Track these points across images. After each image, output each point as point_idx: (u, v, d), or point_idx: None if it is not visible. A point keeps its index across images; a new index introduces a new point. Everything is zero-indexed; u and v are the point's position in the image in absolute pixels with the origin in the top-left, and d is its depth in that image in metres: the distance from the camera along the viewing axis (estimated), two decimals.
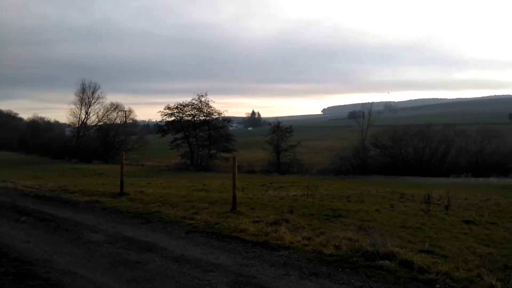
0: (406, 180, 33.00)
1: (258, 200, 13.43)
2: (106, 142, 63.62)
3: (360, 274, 5.54)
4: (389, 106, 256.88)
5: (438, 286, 5.04)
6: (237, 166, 11.22)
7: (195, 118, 52.19)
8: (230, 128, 63.19)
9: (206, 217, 9.25)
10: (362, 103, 53.07)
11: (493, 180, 31.99)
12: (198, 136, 51.95)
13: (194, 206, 11.17)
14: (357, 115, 54.60)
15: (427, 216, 11.88)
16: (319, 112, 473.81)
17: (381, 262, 5.83)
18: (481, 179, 32.71)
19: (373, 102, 54.10)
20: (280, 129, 49.10)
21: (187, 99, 56.49)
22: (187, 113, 52.00)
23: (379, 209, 12.82)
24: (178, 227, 8.60)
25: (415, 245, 7.59)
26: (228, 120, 57.27)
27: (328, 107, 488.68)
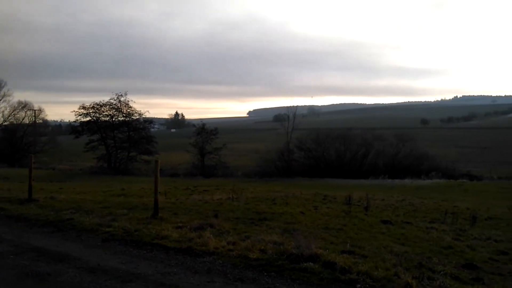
0: (328, 182, 34.69)
1: (182, 205, 13.16)
2: (13, 144, 58.31)
3: (285, 278, 5.65)
4: (312, 110, 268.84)
5: (359, 286, 5.32)
6: (159, 169, 10.86)
7: (113, 119, 50.03)
8: (152, 129, 61.37)
9: (125, 224, 8.82)
10: (287, 107, 54.82)
11: (407, 181, 34.94)
12: (117, 138, 49.77)
13: (111, 213, 10.59)
14: (282, 118, 56.25)
15: (348, 217, 12.55)
16: (245, 115, 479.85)
17: (305, 264, 6.00)
18: (397, 181, 35.57)
19: (297, 106, 56.15)
20: (205, 131, 48.88)
21: (105, 98, 53.58)
22: (105, 113, 49.69)
23: (304, 211, 13.25)
24: (94, 236, 8.10)
25: (338, 246, 7.95)
26: (150, 121, 55.72)
27: (253, 110, 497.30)
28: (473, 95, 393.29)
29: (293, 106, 54.60)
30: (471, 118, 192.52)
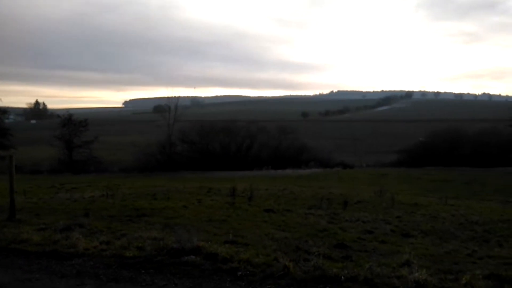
0: (213, 174, 35.15)
1: (45, 205, 12.09)
2: None
3: (165, 273, 5.60)
4: (196, 102, 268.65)
5: (240, 273, 5.54)
6: (16, 165, 9.78)
7: None
8: (7, 120, 54.75)
9: None
10: (168, 97, 53.64)
11: (289, 171, 37.32)
12: None
13: None
14: (163, 110, 55.08)
15: (232, 208, 12.94)
16: (120, 105, 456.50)
17: (186, 258, 6.03)
18: (279, 171, 37.75)
19: (179, 97, 55.45)
20: (73, 123, 45.45)
21: None
22: None
23: (186, 205, 13.26)
24: None
25: (221, 237, 8.15)
26: (4, 111, 49.61)
27: (130, 100, 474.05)
28: (347, 90, 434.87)
29: (175, 97, 53.80)
30: (345, 111, 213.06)
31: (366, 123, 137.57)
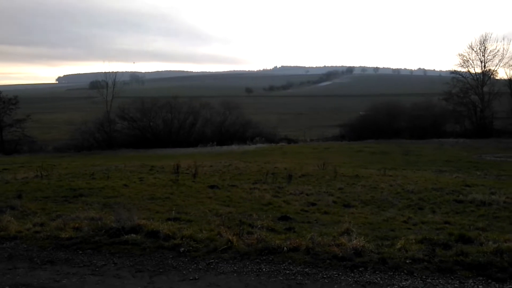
0: (156, 152, 34.42)
1: None
2: None
3: (103, 253, 5.47)
4: (135, 77, 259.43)
5: (182, 249, 5.51)
6: None
7: None
8: None
9: None
10: (105, 73, 51.17)
11: (234, 147, 37.35)
12: None
13: None
14: (100, 86, 52.62)
15: (176, 185, 12.79)
16: (54, 81, 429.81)
17: (126, 236, 5.90)
18: (224, 147, 37.68)
19: (117, 72, 53.04)
20: (1, 101, 42.37)
21: None
22: None
23: (127, 183, 12.94)
24: None
25: (163, 214, 8.04)
26: None
27: (64, 76, 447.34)
28: (290, 66, 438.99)
29: (113, 72, 51.45)
30: (289, 87, 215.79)
31: (310, 98, 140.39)
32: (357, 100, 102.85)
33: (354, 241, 5.56)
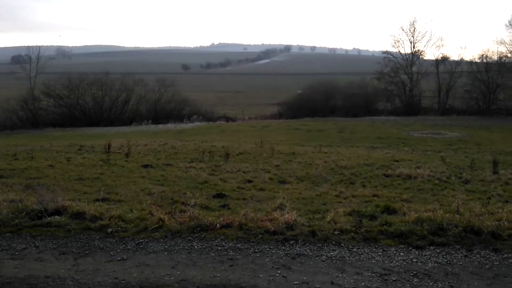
0: (86, 131, 32.97)
1: None
2: None
3: (24, 236, 5.21)
4: (62, 51, 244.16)
5: (110, 230, 5.36)
6: None
7: None
8: None
9: None
10: (28, 46, 47.63)
11: (170, 126, 36.66)
12: None
13: None
14: (23, 60, 49.07)
15: (106, 165, 12.36)
16: None
17: (49, 218, 5.64)
18: (160, 126, 36.86)
19: (42, 46, 49.50)
20: None
21: None
22: None
23: (53, 164, 12.34)
24: None
25: (92, 195, 7.75)
26: None
27: None
28: (228, 43, 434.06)
29: (37, 46, 48.00)
30: (227, 64, 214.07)
31: (248, 76, 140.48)
32: (295, 78, 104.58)
33: (287, 216, 5.71)
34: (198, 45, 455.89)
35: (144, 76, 53.88)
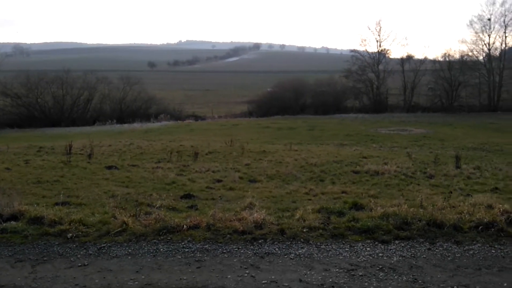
0: (46, 131, 31.99)
1: None
2: None
3: None
4: (20, 49, 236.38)
5: (70, 234, 5.20)
6: None
7: None
8: None
9: None
10: None
11: (136, 125, 36.03)
12: None
13: None
14: None
15: (67, 167, 12.02)
16: None
17: (4, 224, 5.43)
18: (126, 125, 36.17)
19: None
20: None
21: None
22: None
23: (10, 166, 11.93)
24: None
25: (51, 199, 7.52)
26: None
27: None
28: (196, 40, 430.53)
29: None
30: (195, 62, 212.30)
31: (217, 74, 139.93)
32: (265, 76, 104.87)
33: (256, 215, 5.71)
34: (165, 42, 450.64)
35: (107, 74, 52.65)
